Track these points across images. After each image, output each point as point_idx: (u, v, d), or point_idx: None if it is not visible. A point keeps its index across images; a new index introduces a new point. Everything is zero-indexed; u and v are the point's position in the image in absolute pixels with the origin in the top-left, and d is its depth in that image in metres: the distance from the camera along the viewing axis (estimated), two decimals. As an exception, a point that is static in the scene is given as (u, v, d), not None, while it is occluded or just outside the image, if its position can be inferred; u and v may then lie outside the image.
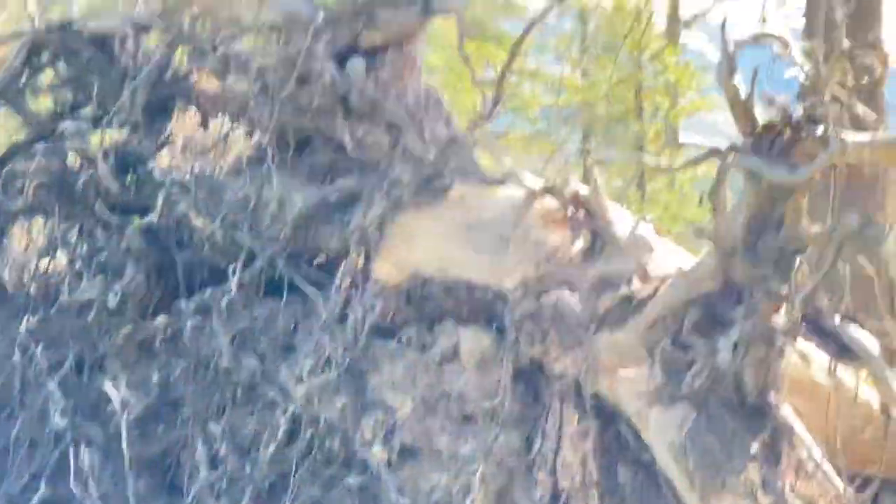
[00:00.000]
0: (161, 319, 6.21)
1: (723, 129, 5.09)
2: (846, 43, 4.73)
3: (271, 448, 5.70)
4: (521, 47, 7.49)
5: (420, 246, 5.78)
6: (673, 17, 20.57)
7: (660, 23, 21.12)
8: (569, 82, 21.63)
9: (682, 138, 20.82)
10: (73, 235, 6.53)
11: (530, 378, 5.32)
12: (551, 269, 5.29)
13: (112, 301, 6.13)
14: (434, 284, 5.70)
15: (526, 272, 5.28)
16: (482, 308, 5.56)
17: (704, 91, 20.57)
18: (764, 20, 13.42)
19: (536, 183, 5.58)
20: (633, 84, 19.88)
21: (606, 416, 5.07)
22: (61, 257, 6.58)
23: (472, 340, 5.56)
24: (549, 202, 5.55)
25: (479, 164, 6.24)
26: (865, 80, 5.10)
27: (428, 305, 5.74)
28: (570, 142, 22.25)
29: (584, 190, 5.51)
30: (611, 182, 19.61)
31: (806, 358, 5.71)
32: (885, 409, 4.61)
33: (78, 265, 6.39)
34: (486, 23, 20.55)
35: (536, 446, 5.18)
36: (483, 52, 18.51)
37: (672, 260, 5.37)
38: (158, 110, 6.65)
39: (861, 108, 5.02)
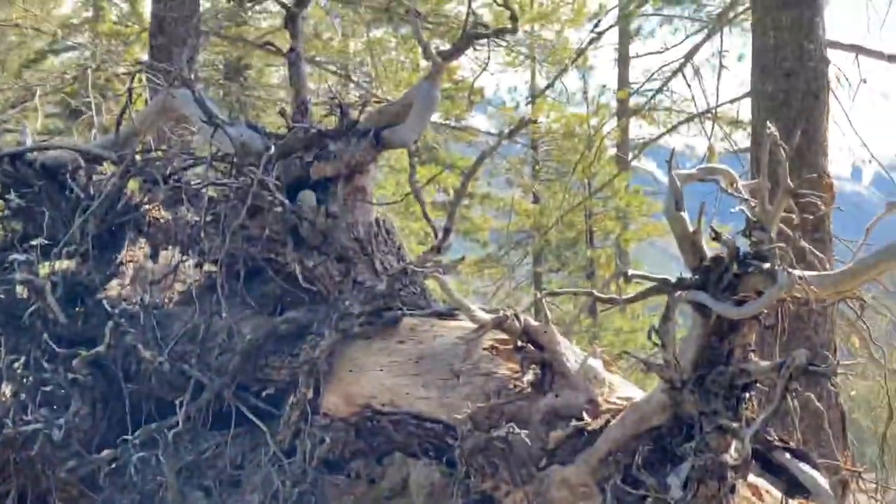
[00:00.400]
0: (106, 453, 6.09)
1: (676, 253, 5.12)
2: (790, 182, 4.80)
3: (217, 583, 5.59)
4: (473, 175, 7.55)
5: (369, 378, 5.75)
6: (623, 142, 20.93)
7: (610, 147, 21.50)
8: (520, 206, 21.92)
9: (634, 261, 21.11)
10: (19, 367, 6.42)
11: (479, 514, 5.26)
12: (501, 402, 5.26)
13: (57, 434, 6.01)
14: (384, 417, 5.66)
15: (476, 405, 5.24)
16: (432, 441, 5.52)
17: (655, 216, 20.89)
18: (711, 152, 13.74)
19: (486, 315, 5.58)
20: (583, 209, 20.17)
21: (558, 554, 5.01)
22: (7, 389, 6.46)
23: (422, 474, 5.52)
24: (500, 334, 5.55)
25: (429, 295, 6.25)
26: (811, 215, 5.18)
27: (377, 438, 5.70)
28: (520, 266, 22.46)
29: (534, 322, 5.52)
30: (563, 307, 19.77)
31: (758, 493, 5.72)
32: (836, 547, 4.59)
33: (23, 397, 6.27)
34: (438, 148, 20.85)
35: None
36: (435, 177, 18.76)
37: (624, 394, 5.37)
38: (109, 240, 6.65)
39: (806, 244, 5.11)
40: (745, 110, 14.48)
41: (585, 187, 19.86)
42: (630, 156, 19.42)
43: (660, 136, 18.21)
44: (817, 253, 5.15)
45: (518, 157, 22.80)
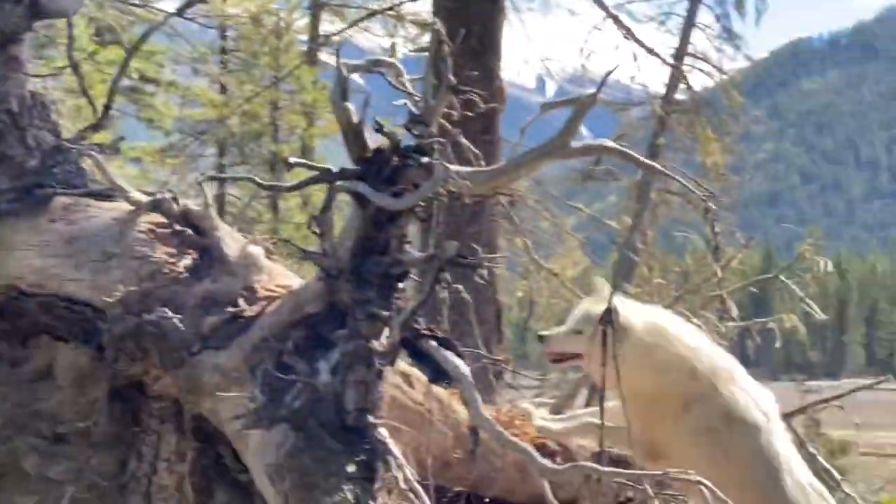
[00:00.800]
0: None
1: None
2: (453, 79, 4.89)
3: None
4: (137, 49, 7.31)
5: (16, 258, 5.48)
6: (312, 36, 20.82)
7: (301, 42, 21.34)
8: (205, 96, 21.48)
9: (320, 157, 21.13)
10: None
11: (129, 398, 5.16)
12: (155, 286, 5.15)
13: None
14: (30, 299, 5.43)
15: (128, 289, 5.11)
16: (81, 324, 5.34)
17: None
18: (393, 49, 13.88)
19: (144, 197, 5.43)
20: (269, 102, 19.99)
21: (207, 437, 5.01)
22: None
23: (69, 358, 5.34)
24: (158, 217, 5.42)
25: (87, 175, 6.00)
26: (476, 113, 5.29)
27: (22, 320, 5.46)
28: (204, 157, 22.09)
29: (193, 206, 5.42)
30: (242, 200, 19.68)
31: (409, 380, 5.90)
32: (472, 430, 4.79)
33: None
34: (121, 28, 20.06)
35: (131, 468, 5.04)
36: (116, 58, 18.04)
37: (282, 282, 5.37)
38: None
39: (464, 141, 5.25)
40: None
41: (272, 80, 19.66)
42: (318, 51, 19.37)
43: (343, 30, 18.25)
44: (474, 149, 5.29)
45: (206, 44, 22.24)
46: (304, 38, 21.13)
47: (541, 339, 6.01)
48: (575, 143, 4.78)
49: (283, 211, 19.56)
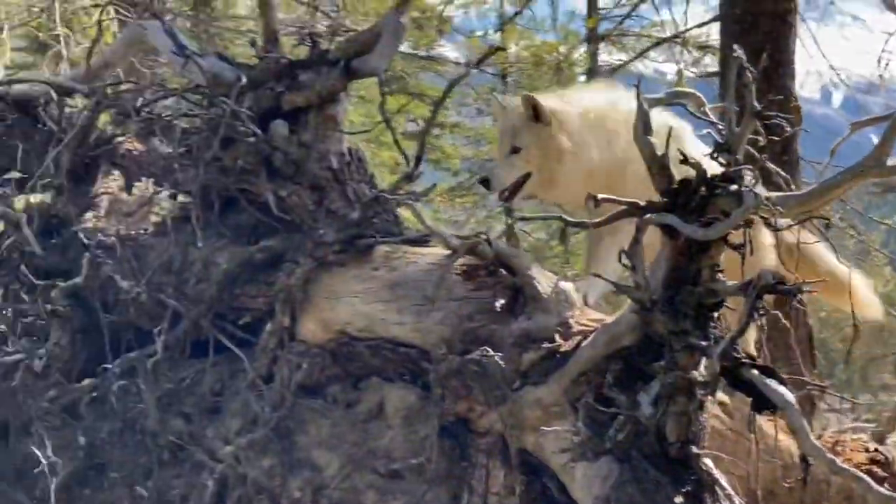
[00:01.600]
0: (87, 382, 6.18)
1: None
2: (757, 105, 4.84)
3: (199, 509, 5.69)
4: (443, 104, 7.57)
5: (345, 304, 5.83)
6: (592, 69, 20.85)
7: (580, 74, 21.43)
8: (490, 134, 21.86)
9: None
10: (-2, 299, 6.48)
11: (456, 434, 5.37)
12: (474, 325, 5.35)
13: (37, 364, 6.10)
14: (360, 343, 5.75)
15: (450, 329, 5.33)
16: (407, 365, 5.62)
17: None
18: (680, 76, 13.76)
19: (458, 241, 5.65)
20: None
21: (532, 470, 5.12)
22: (-13, 322, 6.51)
23: (398, 397, 5.62)
24: (472, 259, 5.62)
25: (402, 222, 6.31)
26: (778, 138, 5.22)
27: (353, 363, 5.79)
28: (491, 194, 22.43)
29: (505, 247, 5.59)
30: (535, 234, 19.87)
31: (728, 411, 5.83)
32: (803, 458, 4.70)
33: (3, 328, 6.34)
34: (407, 78, 20.75)
35: (464, 502, 5.23)
36: (404, 107, 18.70)
37: (594, 316, 5.45)
38: (83, 173, 6.68)
39: (772, 166, 5.17)
40: (714, 34, 14.48)
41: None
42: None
43: (629, 62, 18.11)
44: (783, 174, 5.22)
45: (487, 86, 22.68)
46: (582, 70, 21.20)
47: (485, 184, 5.81)
48: (890, 161, 4.64)
49: (574, 243, 19.61)
